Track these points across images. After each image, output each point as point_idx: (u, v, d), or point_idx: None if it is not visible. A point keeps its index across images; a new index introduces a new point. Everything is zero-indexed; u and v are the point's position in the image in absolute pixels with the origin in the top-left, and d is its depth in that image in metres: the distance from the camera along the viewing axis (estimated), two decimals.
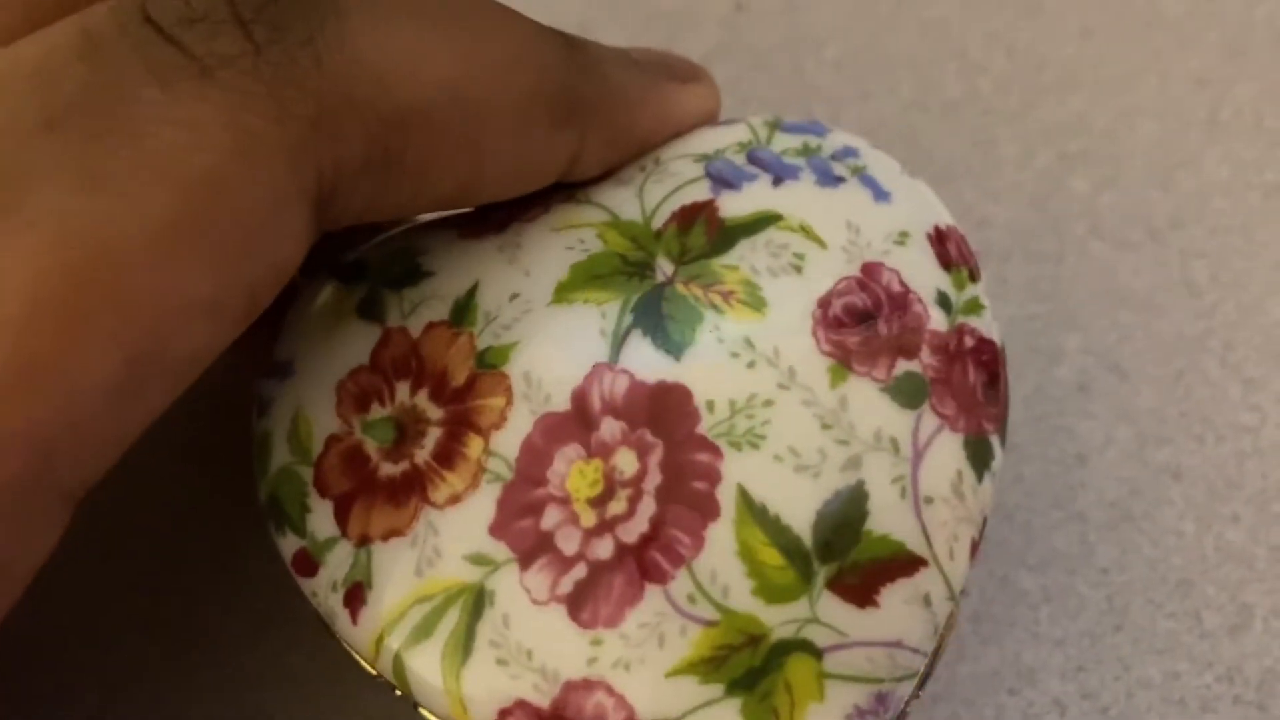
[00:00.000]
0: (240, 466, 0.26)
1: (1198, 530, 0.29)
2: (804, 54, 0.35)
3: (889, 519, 0.21)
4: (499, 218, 0.24)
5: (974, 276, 0.23)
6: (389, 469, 0.22)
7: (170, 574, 0.27)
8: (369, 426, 0.22)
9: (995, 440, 0.22)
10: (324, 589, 0.22)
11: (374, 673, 0.22)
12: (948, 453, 0.22)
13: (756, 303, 0.22)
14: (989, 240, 0.32)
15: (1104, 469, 0.29)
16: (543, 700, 0.20)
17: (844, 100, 0.34)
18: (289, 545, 0.22)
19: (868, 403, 0.21)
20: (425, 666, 0.21)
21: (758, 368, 0.21)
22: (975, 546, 0.22)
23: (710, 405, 0.21)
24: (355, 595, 0.21)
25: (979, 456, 0.22)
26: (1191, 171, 0.33)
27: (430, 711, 0.21)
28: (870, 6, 0.36)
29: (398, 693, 0.22)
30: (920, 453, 0.21)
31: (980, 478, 0.22)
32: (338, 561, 0.22)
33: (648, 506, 0.21)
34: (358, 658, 0.22)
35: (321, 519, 0.22)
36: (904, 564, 0.21)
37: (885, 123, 0.34)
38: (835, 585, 0.20)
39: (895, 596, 0.21)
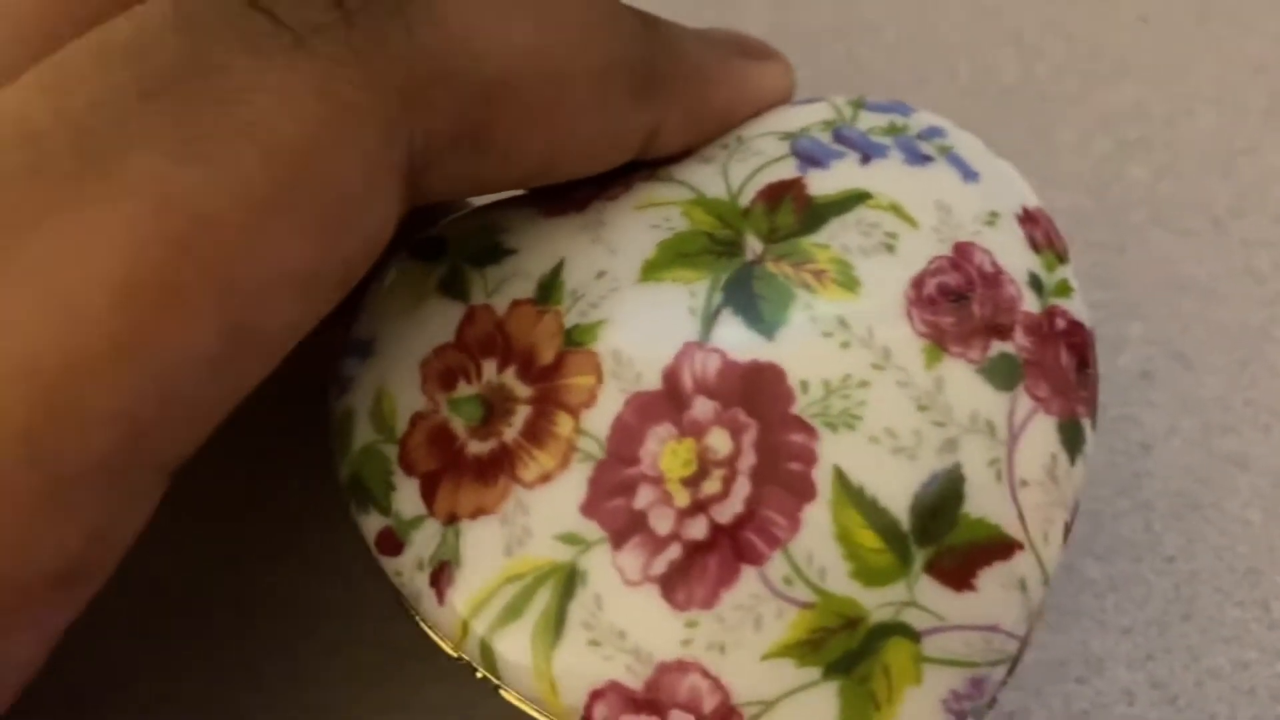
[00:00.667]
0: (307, 446, 0.26)
1: (1265, 519, 0.28)
2: (858, 38, 0.35)
3: (985, 502, 0.21)
4: (580, 196, 0.24)
5: (1062, 258, 0.23)
6: (477, 447, 0.22)
7: (229, 554, 0.27)
8: (456, 404, 0.22)
9: (1086, 423, 0.22)
10: (409, 568, 0.21)
11: (454, 655, 0.22)
12: (1042, 436, 0.21)
13: (849, 282, 0.22)
14: None
15: (1169, 458, 0.29)
16: (635, 682, 0.20)
17: (899, 85, 0.34)
18: (372, 524, 0.22)
19: (963, 384, 0.21)
20: (515, 647, 0.21)
21: (852, 348, 0.21)
22: (1068, 530, 0.22)
23: (804, 385, 0.21)
24: (442, 574, 0.21)
25: (1072, 440, 0.22)
26: (1252, 159, 0.33)
27: (518, 693, 0.21)
28: None
29: (479, 674, 0.21)
30: (1016, 435, 0.21)
31: (1073, 461, 0.22)
32: (424, 540, 0.21)
33: (742, 487, 0.20)
34: (438, 640, 0.22)
35: (407, 497, 0.22)
36: (1000, 547, 0.21)
37: (941, 108, 0.34)
38: (933, 568, 0.20)
39: (992, 580, 0.20)
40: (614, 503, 0.21)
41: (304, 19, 0.18)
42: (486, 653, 0.21)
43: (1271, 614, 0.27)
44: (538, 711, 0.21)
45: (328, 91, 0.17)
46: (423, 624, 0.22)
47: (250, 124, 0.17)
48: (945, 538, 0.20)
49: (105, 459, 0.16)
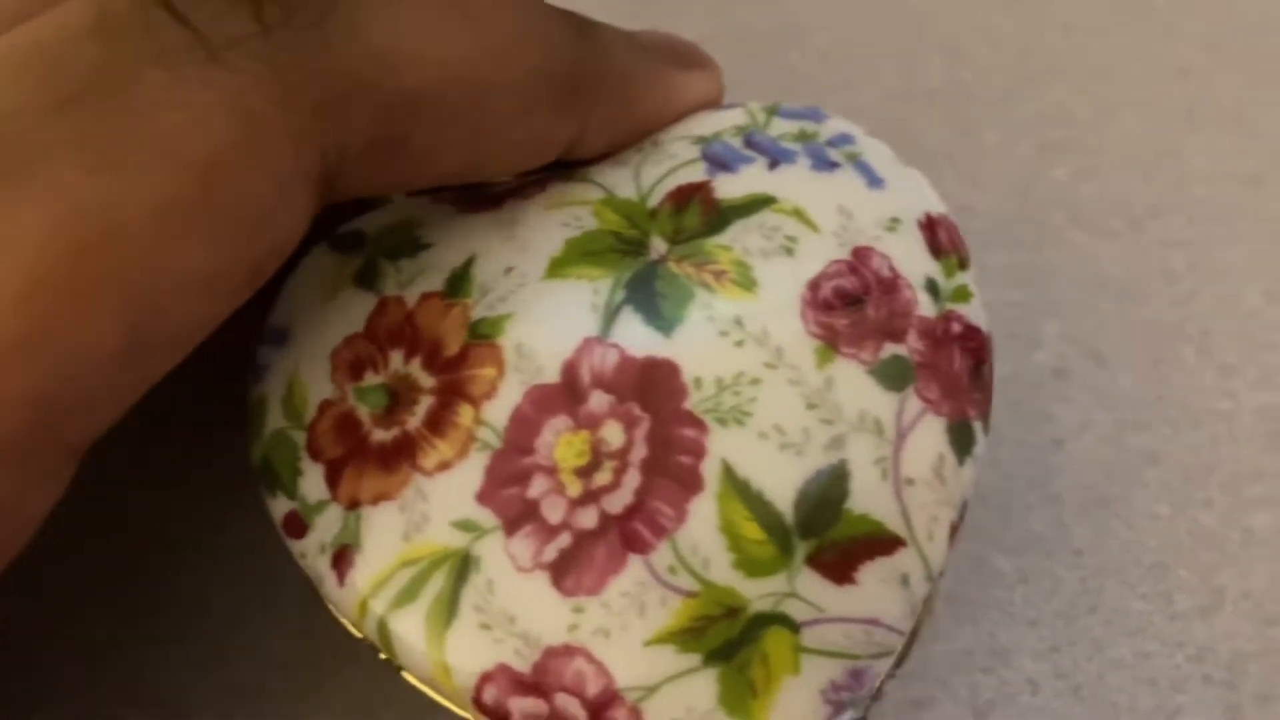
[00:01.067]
0: (232, 432, 0.27)
1: (1172, 514, 0.29)
2: (791, 42, 0.35)
3: (870, 499, 0.21)
4: (496, 193, 0.24)
5: (964, 264, 0.24)
6: (380, 435, 0.22)
7: (160, 542, 0.28)
8: (362, 393, 0.22)
9: (978, 425, 0.23)
10: (313, 550, 0.22)
11: (359, 635, 0.22)
12: (930, 436, 0.22)
13: (747, 283, 0.22)
14: (971, 228, 0.32)
15: (1081, 453, 0.30)
16: (524, 665, 0.21)
17: (830, 88, 0.35)
18: (280, 507, 0.23)
19: (853, 384, 0.22)
20: (409, 629, 0.21)
21: (746, 346, 0.22)
22: (955, 529, 0.22)
23: (698, 382, 0.21)
24: (343, 557, 0.22)
25: (961, 441, 0.22)
26: (1172, 161, 0.33)
27: (413, 675, 0.22)
28: None
29: (381, 656, 0.22)
30: (903, 435, 0.22)
31: (962, 462, 0.22)
32: (327, 524, 0.22)
33: (633, 478, 0.21)
34: (343, 621, 0.22)
35: (313, 482, 0.22)
36: (883, 543, 0.21)
37: (869, 111, 0.34)
38: (814, 561, 0.21)
39: (873, 575, 0.21)
40: (508, 491, 0.21)
41: (222, 31, 0.18)
42: (384, 634, 0.21)
43: (1174, 606, 0.28)
44: (434, 693, 0.22)
45: (240, 108, 0.18)
46: (329, 605, 0.23)
47: (161, 138, 0.17)
48: (828, 532, 0.21)
49: (13, 440, 0.17)
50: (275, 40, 0.19)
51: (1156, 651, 0.28)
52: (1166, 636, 0.28)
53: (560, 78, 0.22)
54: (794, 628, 0.21)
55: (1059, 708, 0.26)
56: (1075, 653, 0.28)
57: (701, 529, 0.21)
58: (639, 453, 0.21)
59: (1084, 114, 0.35)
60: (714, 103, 0.26)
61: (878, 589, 0.21)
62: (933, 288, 0.23)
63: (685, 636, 0.21)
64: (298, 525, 0.22)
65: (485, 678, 0.21)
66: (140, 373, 0.18)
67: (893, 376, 0.22)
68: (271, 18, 0.19)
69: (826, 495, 0.21)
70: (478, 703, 0.21)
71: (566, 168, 0.25)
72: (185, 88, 0.18)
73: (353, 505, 0.22)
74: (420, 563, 0.21)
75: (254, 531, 0.28)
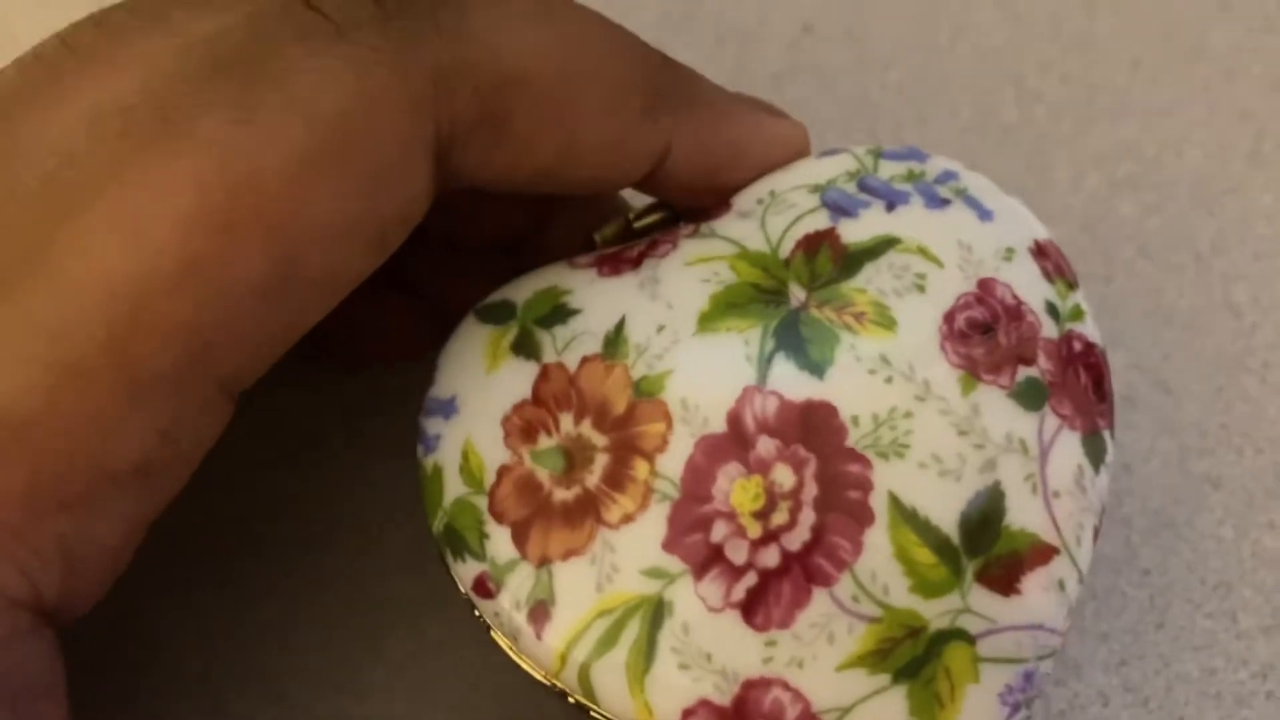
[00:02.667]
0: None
1: (1235, 536, 0.30)
2: (868, 77, 0.36)
3: (1024, 514, 0.23)
4: (632, 256, 0.26)
5: (1073, 285, 0.25)
6: (562, 494, 0.23)
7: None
8: (538, 456, 0.24)
9: (1107, 435, 0.24)
10: (507, 608, 0.23)
11: (548, 683, 0.24)
12: (1069, 450, 0.23)
13: (887, 322, 0.24)
14: None
15: (1148, 478, 0.31)
16: (724, 699, 0.22)
17: (905, 122, 0.36)
18: (468, 571, 0.24)
19: (997, 408, 0.23)
20: (611, 675, 0.23)
21: (895, 382, 0.23)
22: (1097, 533, 0.24)
23: (855, 420, 0.23)
24: (539, 612, 0.23)
25: (1095, 451, 0.24)
26: (1235, 198, 0.35)
27: (614, 712, 0.23)
28: (931, 33, 0.37)
29: (572, 700, 0.23)
30: (1046, 451, 0.23)
31: (1097, 470, 0.24)
32: (519, 582, 0.23)
33: (808, 516, 0.22)
34: (528, 668, 0.24)
35: (500, 544, 0.23)
36: (1040, 553, 0.23)
37: (945, 145, 0.35)
38: (982, 577, 0.22)
39: (1035, 584, 0.23)
40: (692, 538, 0.22)
41: (348, 15, 0.21)
42: (584, 681, 0.23)
43: (1239, 624, 0.29)
44: None
45: (365, 72, 0.20)
46: (512, 654, 0.24)
47: (296, 95, 0.20)
48: (992, 549, 0.22)
49: (174, 366, 0.19)
50: (393, 22, 0.21)
51: (1222, 668, 0.29)
52: (1232, 653, 0.29)
53: (646, 83, 0.24)
54: (971, 640, 0.22)
55: (1129, 719, 0.28)
56: (1144, 667, 0.29)
57: (877, 558, 0.22)
58: (810, 491, 0.22)
59: (1150, 151, 0.35)
60: (802, 148, 0.27)
61: (1040, 596, 0.23)
62: (1052, 310, 0.25)
63: (874, 659, 0.22)
64: (489, 586, 0.24)
65: (687, 713, 0.22)
66: (285, 314, 0.21)
67: (1030, 397, 0.23)
68: (390, 4, 0.21)
69: (987, 515, 0.23)
70: None
71: (693, 227, 0.26)
72: (318, 56, 0.20)
73: (543, 563, 0.23)
74: (615, 611, 0.23)
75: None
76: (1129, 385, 0.32)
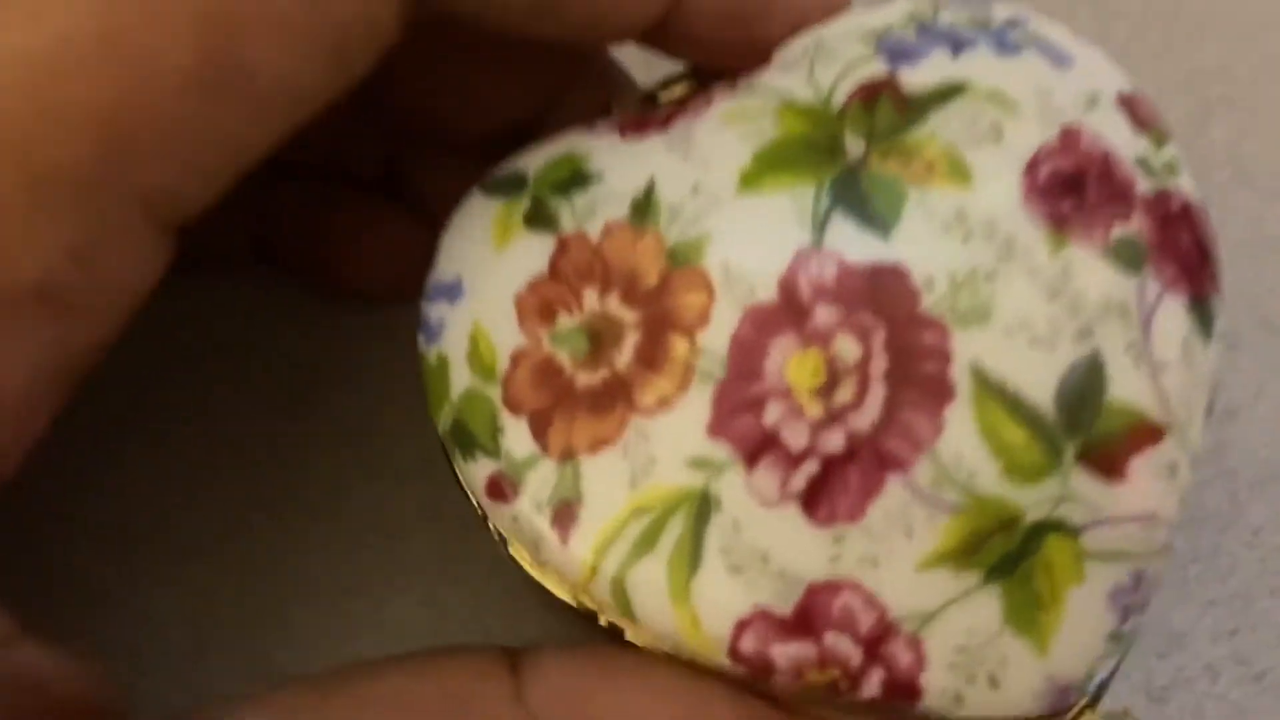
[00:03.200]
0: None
1: None
2: None
3: (1128, 388, 0.20)
4: (660, 117, 0.23)
5: (1166, 139, 0.22)
6: (587, 379, 0.21)
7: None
8: (559, 338, 0.21)
9: (1215, 301, 0.21)
10: (526, 511, 0.20)
11: (575, 603, 0.21)
12: (1174, 317, 0.21)
13: (961, 173, 0.21)
14: None
15: (1255, 424, 0.28)
16: (784, 606, 0.19)
17: None
18: (480, 470, 0.21)
19: (1090, 269, 0.20)
20: (650, 582, 0.20)
21: (974, 240, 0.20)
22: (1209, 412, 0.21)
23: (929, 283, 0.20)
24: (564, 514, 0.20)
25: (1203, 319, 0.21)
26: None
27: (654, 631, 0.20)
28: None
29: (603, 622, 0.21)
30: (1149, 318, 0.20)
31: (1206, 340, 0.21)
32: (540, 481, 0.20)
33: (877, 392, 0.19)
34: (555, 589, 0.21)
35: (517, 438, 0.21)
36: (1148, 432, 0.20)
37: None
38: (1084, 460, 0.19)
39: (1143, 467, 0.20)
40: (742, 421, 0.20)
41: None
42: (619, 591, 0.20)
43: None
44: (675, 649, 0.20)
45: None
46: (531, 570, 0.21)
47: None
48: (1093, 426, 0.20)
49: (85, 163, 0.17)
50: None
51: None
52: None
53: None
54: (1074, 533, 0.19)
55: (1239, 697, 0.26)
56: (1257, 638, 0.26)
57: (961, 438, 0.19)
58: (879, 364, 0.20)
59: (1242, 71, 0.32)
60: (845, 2, 0.24)
61: (1149, 482, 0.20)
62: (1145, 164, 0.22)
63: (961, 555, 0.19)
64: (505, 487, 0.21)
65: (741, 625, 0.19)
66: (222, 122, 0.18)
67: (1127, 258, 0.20)
68: None
69: (1086, 388, 0.20)
70: (734, 653, 0.19)
71: (729, 82, 0.23)
72: None
73: (567, 457, 0.20)
74: (654, 509, 0.20)
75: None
76: (1229, 323, 0.28)
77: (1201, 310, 0.21)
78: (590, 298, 0.21)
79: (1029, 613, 0.19)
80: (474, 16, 0.21)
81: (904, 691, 0.19)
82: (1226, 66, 0.32)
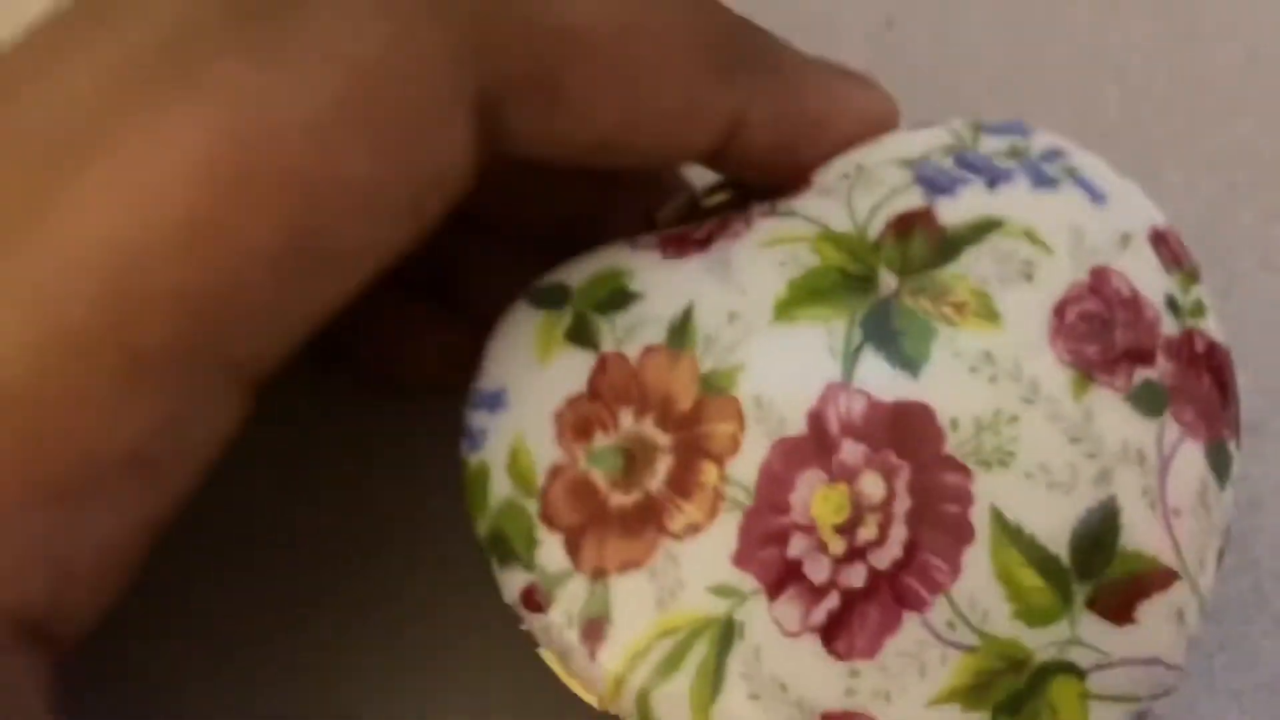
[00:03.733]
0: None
1: None
2: (957, 73, 0.34)
3: (1141, 533, 0.20)
4: (700, 236, 0.23)
5: (1195, 278, 0.23)
6: (620, 499, 0.21)
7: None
8: (595, 456, 0.21)
9: (1232, 445, 0.22)
10: (559, 624, 0.21)
11: (601, 708, 0.21)
12: (1191, 462, 0.21)
13: (990, 314, 0.21)
14: None
15: (1278, 514, 0.28)
16: None
17: None
18: (515, 580, 0.22)
19: (1112, 413, 0.21)
20: (673, 701, 0.20)
21: (999, 382, 0.21)
22: (1221, 557, 0.21)
23: (955, 424, 0.20)
24: (594, 630, 0.21)
25: (1220, 464, 0.21)
26: None
27: None
28: (1024, 26, 0.34)
29: None
30: (1166, 463, 0.21)
31: (1222, 486, 0.21)
32: (572, 596, 0.21)
33: (899, 531, 0.20)
34: (583, 694, 0.21)
35: (552, 552, 0.21)
36: (1159, 578, 0.20)
37: None
38: (1095, 604, 0.20)
39: (1152, 612, 0.20)
40: (767, 552, 0.20)
41: None
42: (643, 709, 0.20)
43: None
44: None
45: (397, 17, 0.18)
46: (561, 674, 0.22)
47: (323, 40, 0.18)
48: (1105, 571, 0.20)
49: (177, 341, 0.17)
50: None
51: None
52: None
53: (716, 38, 0.22)
54: (1080, 675, 0.20)
55: None
56: None
57: (977, 580, 0.20)
58: (903, 504, 0.20)
59: (1271, 152, 0.32)
60: (890, 122, 0.24)
61: (1157, 626, 0.20)
62: (1173, 305, 0.22)
63: (970, 693, 0.20)
64: (539, 598, 0.21)
65: None
66: (304, 290, 0.18)
67: (1148, 402, 0.21)
68: None
69: (1100, 533, 0.20)
70: None
71: (769, 204, 0.23)
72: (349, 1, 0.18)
73: (598, 575, 0.21)
74: (680, 632, 0.20)
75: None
76: (1254, 410, 0.29)
77: (1219, 454, 0.21)
78: (626, 418, 0.21)
79: None
80: (543, 159, 0.21)
81: None
82: (1254, 148, 0.33)
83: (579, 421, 0.22)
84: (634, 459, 0.21)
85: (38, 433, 0.17)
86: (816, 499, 0.20)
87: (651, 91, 0.21)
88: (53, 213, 0.17)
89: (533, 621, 0.21)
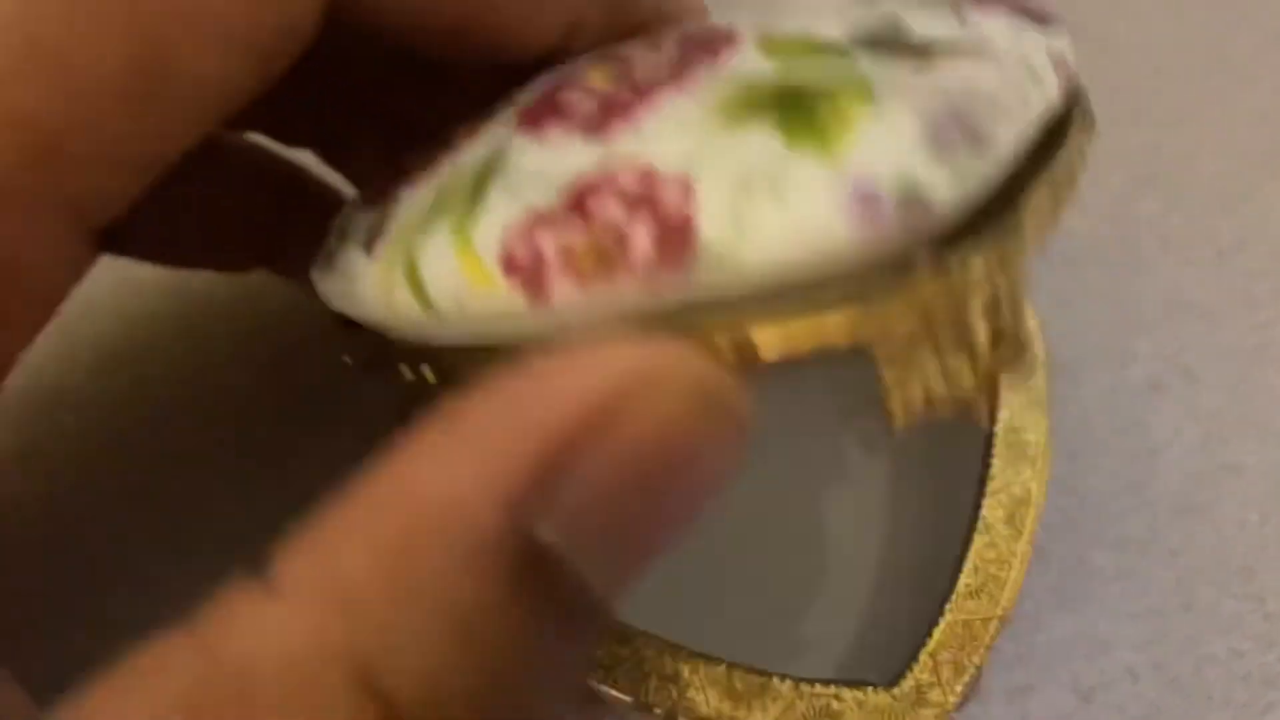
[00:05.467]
0: None
1: (1260, 521, 0.30)
2: None
3: None
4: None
5: None
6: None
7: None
8: None
9: None
10: (351, 256, 0.20)
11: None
12: None
13: None
14: (1072, 248, 0.35)
15: (1173, 462, 0.31)
16: (554, 202, 0.17)
17: None
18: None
19: None
20: (437, 246, 0.18)
21: None
22: None
23: None
24: (373, 239, 0.19)
25: None
26: (1253, 201, 0.36)
27: (449, 304, 0.18)
28: None
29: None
30: None
31: None
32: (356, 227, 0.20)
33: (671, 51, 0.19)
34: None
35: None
36: None
37: None
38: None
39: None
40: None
41: None
42: (413, 277, 0.18)
43: (1266, 607, 0.29)
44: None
45: None
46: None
47: None
48: None
49: (8, 171, 0.16)
50: None
51: (1250, 650, 0.28)
52: (1259, 635, 0.28)
53: None
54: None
55: (1156, 697, 0.27)
56: (1171, 647, 0.28)
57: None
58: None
59: (1170, 153, 0.37)
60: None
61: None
62: None
63: (733, 107, 0.17)
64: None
65: (510, 230, 0.17)
66: (150, 124, 0.18)
67: None
68: None
69: None
70: (506, 262, 0.17)
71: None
72: None
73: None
74: (445, 190, 0.19)
75: None
76: (1154, 373, 0.32)
77: None
78: None
79: (814, 134, 0.16)
80: (388, 30, 0.21)
81: (676, 235, 0.15)
82: (1157, 149, 0.37)
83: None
84: None
85: None
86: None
87: None
88: None
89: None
